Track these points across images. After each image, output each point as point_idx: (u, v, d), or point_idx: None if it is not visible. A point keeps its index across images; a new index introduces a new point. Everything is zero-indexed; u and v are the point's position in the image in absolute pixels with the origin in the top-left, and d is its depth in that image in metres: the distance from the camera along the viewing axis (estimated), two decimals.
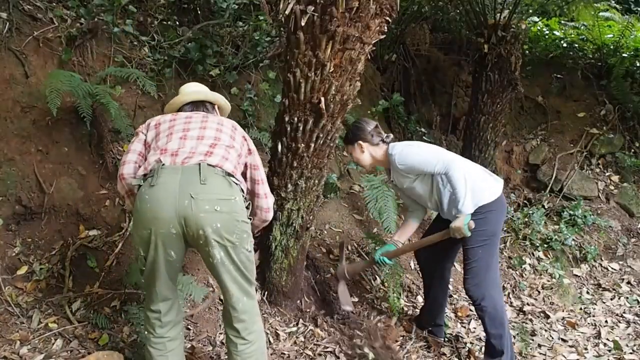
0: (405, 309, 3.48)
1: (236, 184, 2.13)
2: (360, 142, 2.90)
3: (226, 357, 2.67)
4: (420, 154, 2.78)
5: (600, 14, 5.98)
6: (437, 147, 2.92)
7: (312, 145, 2.73)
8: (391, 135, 2.99)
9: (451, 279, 3.95)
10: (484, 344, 3.22)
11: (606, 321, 3.74)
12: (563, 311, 3.83)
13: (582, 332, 3.55)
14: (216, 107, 2.51)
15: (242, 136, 2.34)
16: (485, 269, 2.79)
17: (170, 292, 2.20)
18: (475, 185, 2.76)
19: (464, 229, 2.68)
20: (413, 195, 2.96)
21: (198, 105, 2.44)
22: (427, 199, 2.90)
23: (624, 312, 3.90)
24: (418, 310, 3.46)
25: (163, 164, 2.06)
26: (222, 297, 2.29)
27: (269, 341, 2.85)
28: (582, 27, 6.32)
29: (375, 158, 2.93)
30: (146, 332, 2.23)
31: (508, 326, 2.89)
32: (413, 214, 3.13)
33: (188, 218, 1.98)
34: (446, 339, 3.22)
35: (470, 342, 3.23)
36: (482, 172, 2.88)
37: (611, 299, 4.12)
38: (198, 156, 2.09)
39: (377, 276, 3.64)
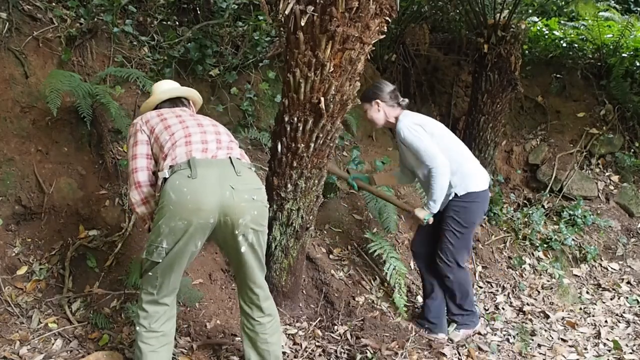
0: (405, 308, 3.48)
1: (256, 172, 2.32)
2: (379, 100, 3.06)
3: (228, 355, 2.67)
4: (419, 144, 2.95)
5: (600, 13, 5.98)
6: (442, 135, 3.07)
7: (312, 145, 2.73)
8: (406, 100, 3.15)
9: None
10: (484, 344, 3.24)
11: (606, 321, 3.74)
12: (563, 311, 3.83)
13: (582, 332, 3.55)
14: (190, 101, 2.60)
15: None
16: (457, 251, 3.09)
17: (179, 283, 2.25)
18: (469, 171, 3.04)
19: (422, 221, 3.06)
20: (408, 161, 3.17)
21: (175, 101, 2.52)
22: (419, 170, 3.10)
23: (624, 312, 3.90)
24: (418, 310, 3.48)
25: (194, 157, 2.11)
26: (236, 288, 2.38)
27: None
28: (581, 27, 6.31)
29: (388, 119, 3.11)
30: (138, 328, 2.21)
31: (472, 293, 3.26)
32: (400, 174, 3.40)
33: (230, 208, 2.09)
34: (447, 339, 3.22)
35: (470, 343, 3.23)
36: (476, 163, 3.15)
37: (611, 299, 4.13)
38: (224, 150, 2.21)
39: (377, 276, 3.64)
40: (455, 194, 3.03)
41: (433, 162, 2.89)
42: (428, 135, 2.97)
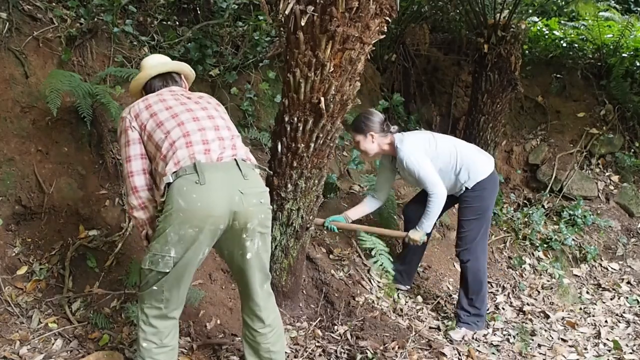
0: (394, 300, 3.50)
1: (260, 175, 2.26)
2: (372, 133, 3.13)
3: (229, 355, 2.68)
4: (422, 173, 3.10)
5: (600, 13, 5.98)
6: (438, 146, 3.20)
7: (312, 145, 2.73)
8: (396, 127, 3.24)
9: (451, 279, 3.97)
10: (483, 345, 3.24)
11: (606, 321, 3.74)
12: (563, 311, 3.83)
13: (582, 332, 3.55)
14: (182, 76, 2.48)
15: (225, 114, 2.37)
16: (474, 237, 3.23)
17: (185, 294, 2.17)
18: (473, 164, 3.19)
19: (418, 242, 3.22)
20: (408, 180, 3.33)
21: (166, 77, 2.40)
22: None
23: (624, 312, 3.90)
24: (415, 307, 3.53)
25: (199, 161, 2.04)
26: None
27: None
28: (581, 27, 6.31)
29: (381, 148, 3.20)
30: (145, 344, 2.11)
31: (486, 291, 3.33)
32: (373, 199, 3.44)
33: (239, 213, 2.05)
34: (448, 340, 3.23)
35: (470, 343, 3.23)
36: (475, 151, 3.30)
37: (611, 299, 4.13)
38: (228, 150, 2.15)
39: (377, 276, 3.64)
40: (466, 188, 3.19)
41: (434, 189, 3.08)
42: (428, 160, 3.11)
